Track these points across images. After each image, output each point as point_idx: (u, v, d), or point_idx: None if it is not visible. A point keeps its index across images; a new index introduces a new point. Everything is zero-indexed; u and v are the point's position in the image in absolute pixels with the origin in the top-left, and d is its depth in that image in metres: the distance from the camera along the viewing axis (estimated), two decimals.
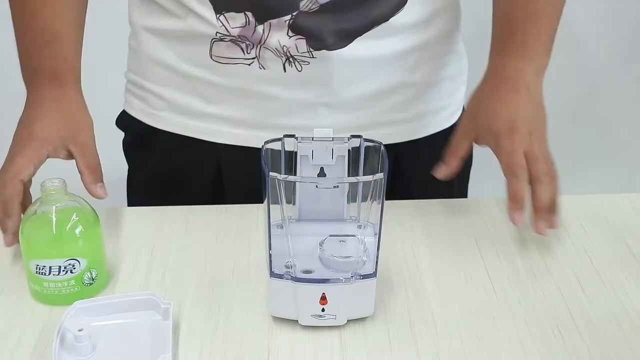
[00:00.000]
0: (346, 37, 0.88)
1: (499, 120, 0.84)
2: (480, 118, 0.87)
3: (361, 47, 0.88)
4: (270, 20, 0.86)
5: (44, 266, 0.75)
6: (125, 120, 1.05)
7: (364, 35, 0.88)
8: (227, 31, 0.88)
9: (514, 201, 0.81)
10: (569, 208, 0.96)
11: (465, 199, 1.03)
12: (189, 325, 0.75)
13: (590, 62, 2.02)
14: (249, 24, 0.87)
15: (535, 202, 0.82)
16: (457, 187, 1.08)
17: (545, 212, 0.82)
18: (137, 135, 1.04)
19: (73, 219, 0.76)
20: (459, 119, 1.03)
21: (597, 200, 0.98)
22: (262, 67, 0.90)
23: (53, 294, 0.77)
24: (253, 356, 0.72)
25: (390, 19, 0.88)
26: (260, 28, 0.87)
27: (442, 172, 0.89)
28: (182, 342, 0.73)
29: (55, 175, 0.76)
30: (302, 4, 0.84)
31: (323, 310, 0.73)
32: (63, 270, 0.75)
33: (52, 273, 0.75)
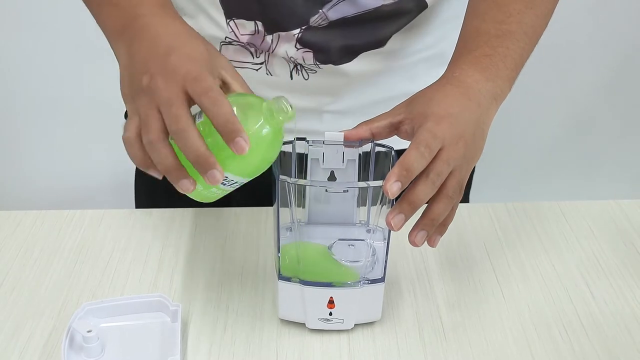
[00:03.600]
0: (352, 53, 0.88)
1: (438, 108, 0.70)
2: (416, 104, 0.73)
3: (366, 60, 0.89)
4: (279, 33, 0.86)
5: (234, 181, 0.67)
6: None
7: (369, 52, 0.89)
8: (236, 37, 0.88)
9: (402, 167, 0.65)
10: (578, 213, 0.96)
11: (474, 204, 1.03)
12: (197, 327, 0.76)
13: (600, 66, 2.01)
14: (258, 33, 0.87)
15: (430, 214, 0.69)
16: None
17: (433, 227, 0.69)
18: None
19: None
20: None
21: (606, 205, 0.98)
22: (269, 73, 0.90)
23: (213, 194, 0.70)
24: (261, 359, 0.72)
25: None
26: (269, 38, 0.87)
27: (350, 133, 0.73)
28: (190, 344, 0.73)
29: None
30: (312, 19, 0.85)
31: (330, 314, 0.73)
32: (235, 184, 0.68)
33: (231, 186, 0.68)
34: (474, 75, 0.74)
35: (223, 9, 0.87)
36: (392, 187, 0.64)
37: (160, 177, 0.68)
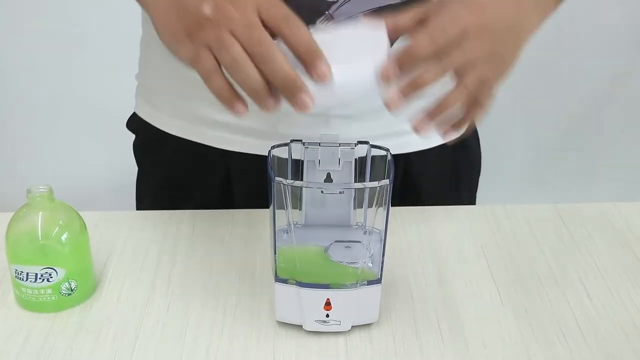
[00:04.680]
0: None
1: None
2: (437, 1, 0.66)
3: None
4: None
5: (22, 272, 0.75)
6: (136, 123, 1.05)
7: None
8: None
9: (405, 50, 0.60)
10: (576, 216, 0.96)
11: (472, 206, 1.03)
12: (195, 329, 0.76)
13: (599, 69, 2.01)
14: None
15: (441, 100, 0.63)
16: (466, 197, 1.07)
17: (439, 115, 0.64)
18: (148, 138, 1.04)
19: (57, 227, 0.75)
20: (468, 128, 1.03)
21: (603, 207, 0.98)
22: None
23: (31, 301, 0.77)
24: None
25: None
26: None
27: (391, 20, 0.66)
28: (188, 346, 0.73)
29: (44, 180, 0.75)
30: (318, 21, 0.85)
31: (327, 315, 0.73)
32: (40, 278, 0.75)
33: (29, 279, 0.75)
34: None
35: None
36: (388, 67, 0.60)
37: (244, 111, 0.63)
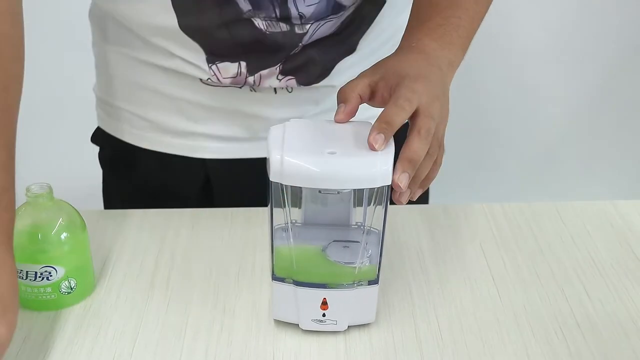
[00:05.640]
0: (329, 68, 0.91)
1: (410, 70, 0.72)
2: (387, 67, 0.74)
3: (342, 69, 0.91)
4: (261, 72, 0.87)
5: (21, 270, 0.75)
6: (102, 137, 1.02)
7: (343, 60, 0.91)
8: (219, 80, 0.88)
9: (381, 121, 0.67)
10: (574, 213, 0.96)
11: (470, 204, 1.03)
12: (194, 328, 0.76)
13: (597, 67, 2.01)
14: (240, 75, 0.87)
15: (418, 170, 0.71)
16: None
17: (417, 184, 0.72)
18: (117, 152, 1.01)
19: (56, 226, 0.75)
20: None
21: (602, 206, 0.98)
22: (253, 90, 0.90)
23: (30, 299, 0.77)
24: (257, 359, 0.72)
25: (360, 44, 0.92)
26: (251, 79, 0.88)
27: (341, 113, 0.72)
28: (186, 344, 0.73)
29: (43, 179, 0.75)
30: (293, 52, 0.86)
31: (324, 315, 0.73)
32: (39, 277, 0.75)
33: (28, 278, 0.75)
34: (430, 44, 0.77)
35: (206, 55, 0.87)
36: (376, 139, 0.66)
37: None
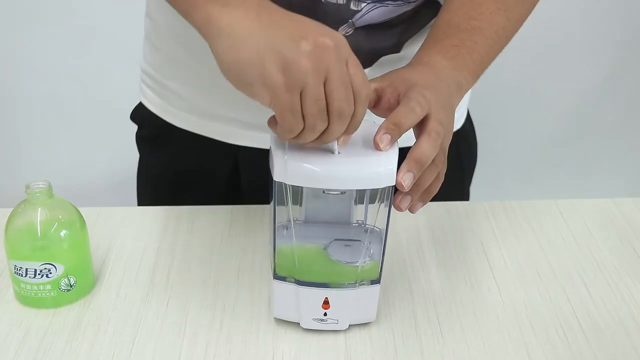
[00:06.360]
0: (374, 57, 0.89)
1: (420, 79, 0.72)
2: (396, 74, 0.74)
3: (383, 66, 0.89)
4: None
5: (21, 267, 0.75)
6: (141, 114, 1.04)
7: (386, 57, 0.89)
8: None
9: (390, 122, 0.67)
10: (575, 211, 0.96)
11: (471, 202, 1.03)
12: (194, 325, 0.76)
13: (596, 65, 2.01)
14: None
15: (418, 179, 0.70)
16: (468, 189, 1.08)
17: (417, 193, 0.70)
18: (153, 129, 1.03)
19: (55, 224, 0.75)
20: (464, 123, 1.03)
21: (603, 204, 0.98)
22: None
23: (30, 296, 0.77)
24: (257, 357, 0.72)
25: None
26: None
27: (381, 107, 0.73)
28: (187, 342, 0.73)
29: (43, 176, 0.75)
30: (341, 28, 0.85)
31: (325, 314, 0.73)
32: (39, 274, 0.75)
33: (28, 275, 0.75)
34: (441, 62, 0.76)
35: None
36: (382, 138, 0.67)
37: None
